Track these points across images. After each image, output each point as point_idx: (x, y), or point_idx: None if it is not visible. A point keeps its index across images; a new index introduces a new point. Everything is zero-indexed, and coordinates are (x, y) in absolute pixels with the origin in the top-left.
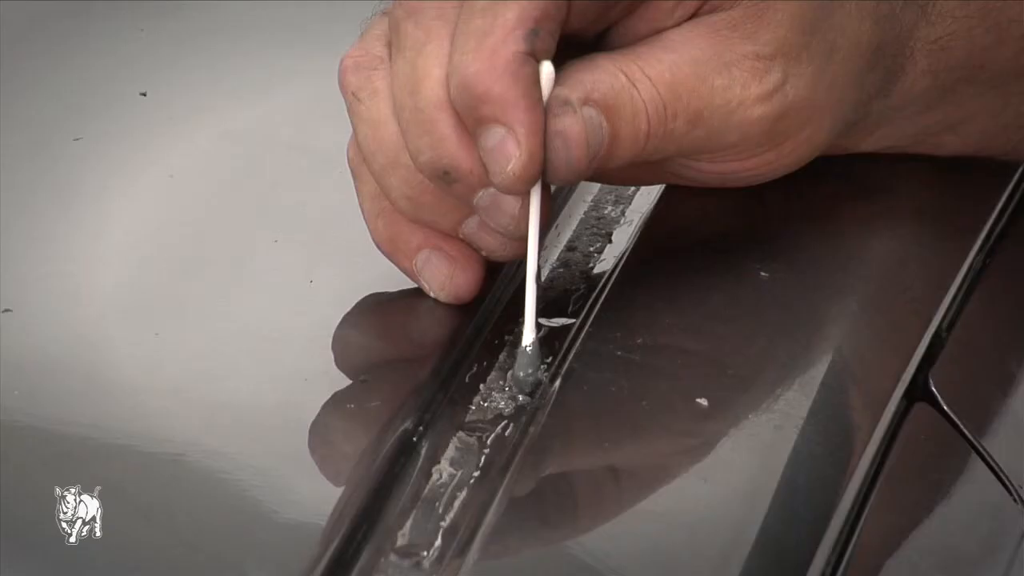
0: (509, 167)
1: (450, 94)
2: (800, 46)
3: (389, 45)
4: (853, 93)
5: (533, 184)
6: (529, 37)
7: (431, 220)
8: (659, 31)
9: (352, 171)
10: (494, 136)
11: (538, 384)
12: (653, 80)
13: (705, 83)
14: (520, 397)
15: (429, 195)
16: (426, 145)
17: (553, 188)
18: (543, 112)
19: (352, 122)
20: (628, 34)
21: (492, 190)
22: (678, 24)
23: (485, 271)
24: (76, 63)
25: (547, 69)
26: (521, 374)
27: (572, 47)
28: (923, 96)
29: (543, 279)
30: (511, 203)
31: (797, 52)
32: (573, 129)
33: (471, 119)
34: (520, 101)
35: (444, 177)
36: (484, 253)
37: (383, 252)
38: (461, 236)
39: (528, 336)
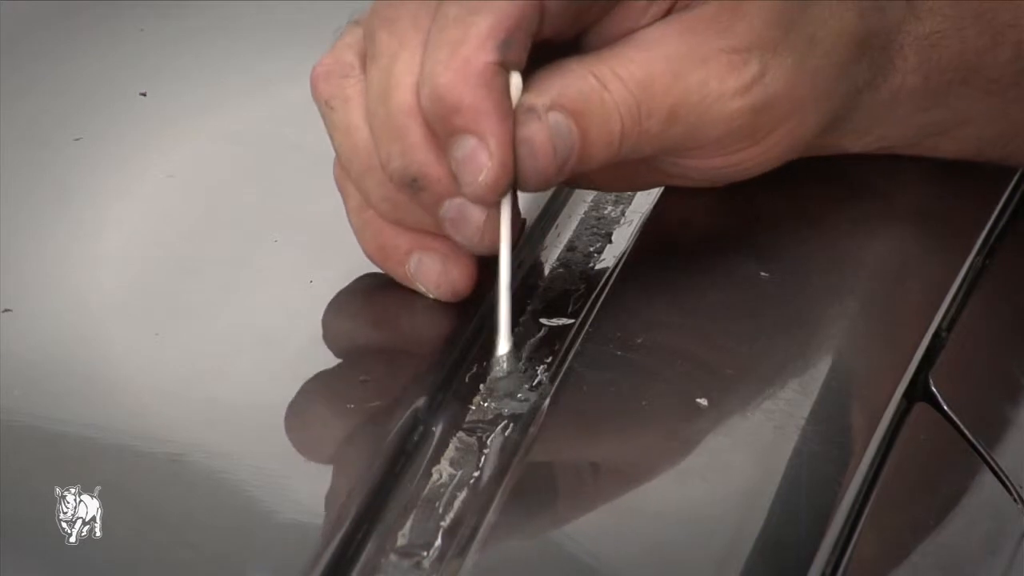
0: (480, 177)
1: (421, 103)
2: (777, 38)
3: (361, 54)
4: (838, 86)
5: (504, 194)
6: (501, 48)
7: (413, 220)
8: (633, 31)
9: (339, 188)
10: (465, 146)
11: (518, 391)
12: (624, 80)
13: (679, 80)
14: (519, 397)
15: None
16: (396, 152)
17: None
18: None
19: (328, 131)
20: (602, 37)
21: (459, 201)
22: (651, 23)
23: (478, 264)
24: (76, 63)
25: (515, 80)
26: (500, 384)
27: (546, 53)
28: (915, 95)
29: (544, 278)
30: (477, 215)
31: (775, 44)
32: (538, 136)
33: (442, 129)
34: (492, 111)
35: (412, 185)
36: (464, 243)
37: (375, 262)
38: (445, 231)
39: (503, 346)
